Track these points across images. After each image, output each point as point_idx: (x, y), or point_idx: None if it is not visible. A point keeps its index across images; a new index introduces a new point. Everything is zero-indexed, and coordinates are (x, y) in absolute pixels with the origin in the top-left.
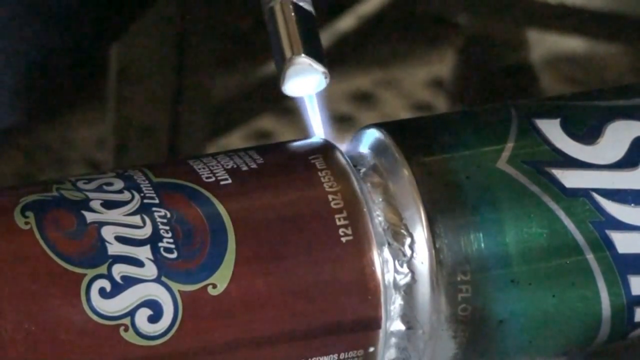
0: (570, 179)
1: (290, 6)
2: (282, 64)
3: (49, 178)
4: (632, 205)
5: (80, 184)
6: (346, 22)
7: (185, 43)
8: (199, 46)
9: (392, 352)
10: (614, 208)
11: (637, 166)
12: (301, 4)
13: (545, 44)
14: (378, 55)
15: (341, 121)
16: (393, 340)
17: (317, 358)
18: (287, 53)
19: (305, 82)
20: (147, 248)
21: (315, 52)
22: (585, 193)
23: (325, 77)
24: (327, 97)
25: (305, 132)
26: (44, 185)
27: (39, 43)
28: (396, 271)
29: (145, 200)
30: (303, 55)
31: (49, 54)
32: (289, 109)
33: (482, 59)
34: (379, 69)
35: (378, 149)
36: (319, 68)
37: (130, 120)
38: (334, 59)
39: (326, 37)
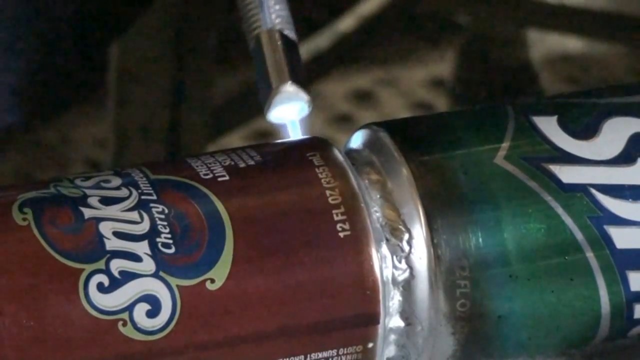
0: (568, 174)
1: (277, 34)
2: (269, 92)
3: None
4: (630, 200)
5: (78, 182)
6: (346, 22)
7: (185, 43)
8: (199, 46)
9: (391, 349)
10: (611, 203)
11: (635, 162)
12: (286, 32)
13: (545, 44)
14: (378, 55)
15: (341, 121)
16: (392, 337)
17: (316, 354)
18: (274, 81)
19: (290, 109)
20: (145, 243)
21: (300, 80)
22: (582, 188)
23: (309, 105)
24: (327, 97)
25: (304, 133)
26: (42, 183)
27: (39, 42)
28: (394, 267)
29: (143, 197)
30: (289, 83)
31: (50, 53)
32: None
33: (482, 59)
34: (379, 68)
35: (376, 147)
36: (304, 96)
37: (130, 120)
38: (334, 59)
39: (326, 37)
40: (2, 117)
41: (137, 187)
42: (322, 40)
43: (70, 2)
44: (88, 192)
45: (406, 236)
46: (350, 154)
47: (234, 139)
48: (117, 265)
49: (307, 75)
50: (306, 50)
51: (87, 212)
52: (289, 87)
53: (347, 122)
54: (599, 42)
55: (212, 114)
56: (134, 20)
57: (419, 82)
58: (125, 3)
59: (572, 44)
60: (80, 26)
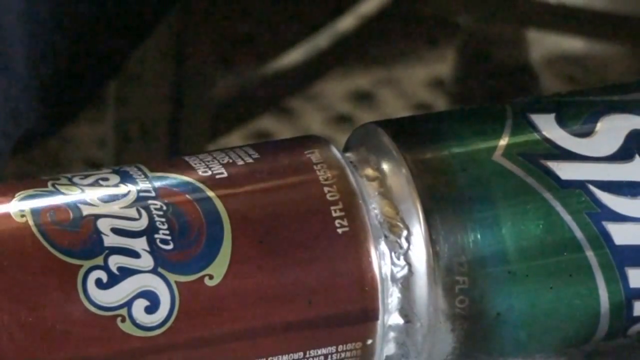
0: (566, 171)
1: None
2: None
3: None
4: (629, 196)
5: (76, 180)
6: (346, 22)
7: (185, 43)
8: (199, 46)
9: (391, 347)
10: (610, 200)
11: (633, 158)
12: None
13: (545, 44)
14: (378, 55)
15: (341, 121)
16: (391, 334)
17: (315, 350)
18: None
19: None
20: (143, 239)
21: None
22: (581, 185)
23: None
24: (327, 97)
25: (304, 133)
26: (41, 181)
27: (68, 49)
28: (393, 264)
29: (141, 194)
30: None
31: (72, 59)
32: (289, 109)
33: (482, 59)
34: (379, 68)
35: (374, 145)
36: None
37: (130, 120)
38: (334, 59)
39: (326, 37)
40: (26, 122)
41: (135, 185)
42: (322, 40)
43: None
44: (86, 189)
45: (405, 233)
46: (348, 152)
47: (234, 139)
48: (115, 261)
49: (307, 75)
50: (306, 50)
51: (86, 209)
52: None
53: (347, 122)
54: (599, 42)
55: (212, 114)
56: (132, 53)
57: (419, 82)
58: (125, 34)
59: (572, 44)
60: (101, 34)
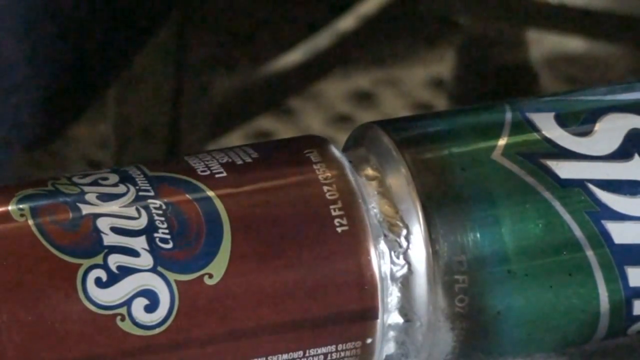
0: (565, 170)
1: None
2: None
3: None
4: (628, 195)
5: (75, 179)
6: (346, 22)
7: (185, 43)
8: (199, 46)
9: (390, 347)
10: (609, 198)
11: (632, 157)
12: None
13: (545, 44)
14: (378, 55)
15: (341, 120)
16: (391, 333)
17: (315, 349)
18: None
19: None
20: (143, 238)
21: None
22: (580, 184)
23: None
24: (327, 97)
25: (304, 133)
26: (40, 181)
27: (67, 57)
28: (392, 263)
29: (141, 193)
30: None
31: (73, 68)
32: (289, 109)
33: (482, 59)
34: (379, 68)
35: (374, 145)
36: None
37: (130, 120)
38: (334, 59)
39: (326, 37)
40: (28, 131)
41: (134, 184)
42: (322, 40)
43: (97, 17)
44: (86, 189)
45: (404, 232)
46: (348, 152)
47: (234, 139)
48: (115, 260)
49: (307, 75)
50: (306, 50)
51: (85, 209)
52: None
53: (347, 122)
54: (599, 42)
55: (212, 114)
56: (133, 58)
57: (419, 82)
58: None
59: (572, 44)
60: (105, 40)
